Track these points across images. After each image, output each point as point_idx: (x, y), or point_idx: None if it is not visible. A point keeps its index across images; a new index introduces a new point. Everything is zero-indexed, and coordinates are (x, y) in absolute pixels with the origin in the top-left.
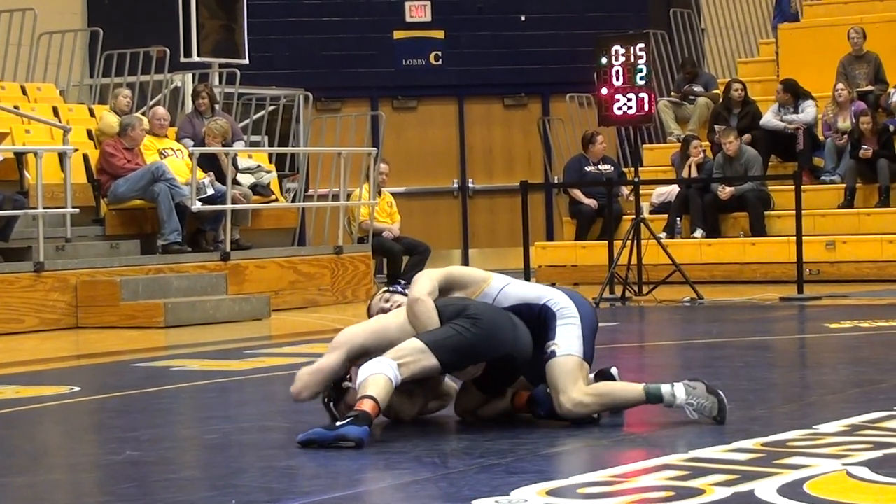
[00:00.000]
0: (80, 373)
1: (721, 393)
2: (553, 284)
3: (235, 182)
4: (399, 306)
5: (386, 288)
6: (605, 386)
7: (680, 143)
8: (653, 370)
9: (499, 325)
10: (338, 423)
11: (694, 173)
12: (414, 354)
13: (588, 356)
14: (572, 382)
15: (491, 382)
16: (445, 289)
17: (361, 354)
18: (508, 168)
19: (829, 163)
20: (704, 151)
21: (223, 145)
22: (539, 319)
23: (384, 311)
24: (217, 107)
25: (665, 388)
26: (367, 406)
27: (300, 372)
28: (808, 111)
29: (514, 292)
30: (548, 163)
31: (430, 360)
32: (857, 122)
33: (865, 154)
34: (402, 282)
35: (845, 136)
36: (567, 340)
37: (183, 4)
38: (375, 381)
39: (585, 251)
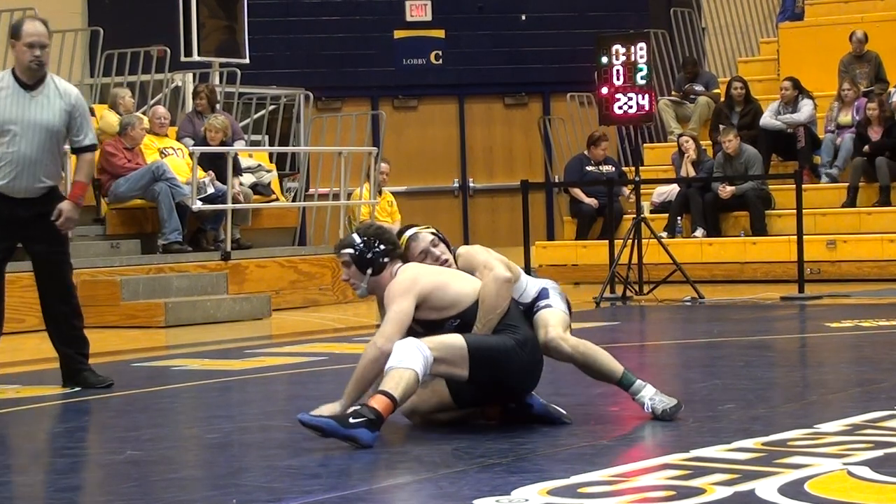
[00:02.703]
0: None
1: (681, 404)
2: None
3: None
4: (447, 260)
5: (433, 230)
6: (590, 344)
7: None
8: (653, 369)
9: (533, 360)
10: (352, 420)
11: (690, 170)
12: (454, 357)
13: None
14: (562, 325)
15: (477, 401)
16: None
17: (420, 303)
18: (509, 167)
19: (826, 157)
20: (705, 151)
21: (223, 142)
22: (536, 301)
23: (431, 254)
24: (218, 106)
25: (639, 381)
26: (382, 406)
27: (379, 334)
28: (805, 110)
29: (529, 291)
30: (548, 162)
31: (462, 371)
32: (864, 112)
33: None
34: (444, 237)
35: (844, 130)
36: (558, 301)
37: (183, 4)
38: (402, 377)
39: (586, 250)
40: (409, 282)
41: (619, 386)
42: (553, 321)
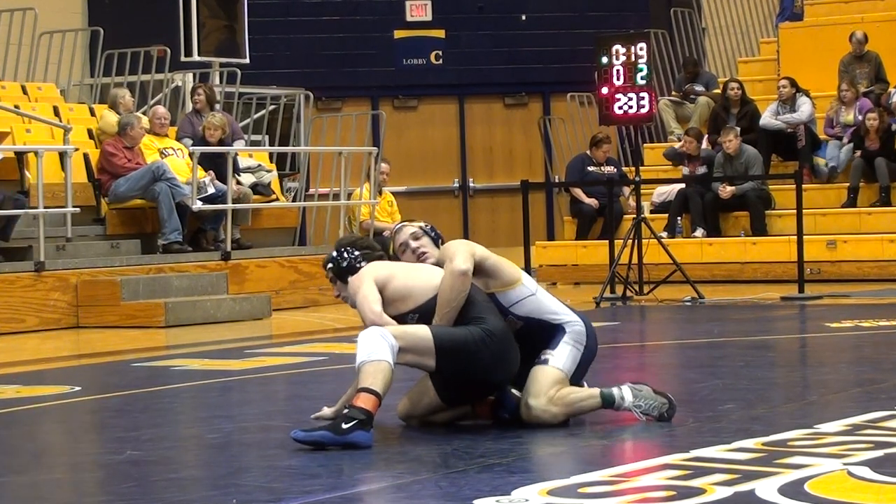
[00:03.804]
0: (80, 372)
1: (669, 395)
2: (554, 284)
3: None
4: (424, 253)
5: (419, 225)
6: (568, 397)
7: (681, 142)
8: (653, 370)
9: (506, 352)
10: (344, 426)
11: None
12: (419, 347)
13: (574, 381)
14: (546, 391)
15: (459, 397)
16: (476, 270)
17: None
18: (509, 167)
19: (827, 155)
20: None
21: (222, 140)
22: (549, 332)
23: (409, 247)
24: (218, 105)
25: (615, 391)
26: (370, 404)
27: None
28: (804, 109)
29: (533, 305)
30: (548, 162)
31: (429, 362)
32: (863, 119)
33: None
34: (434, 231)
35: (848, 129)
36: (563, 357)
37: (183, 4)
38: (378, 369)
39: (586, 250)
40: (363, 274)
41: (606, 408)
42: (535, 388)
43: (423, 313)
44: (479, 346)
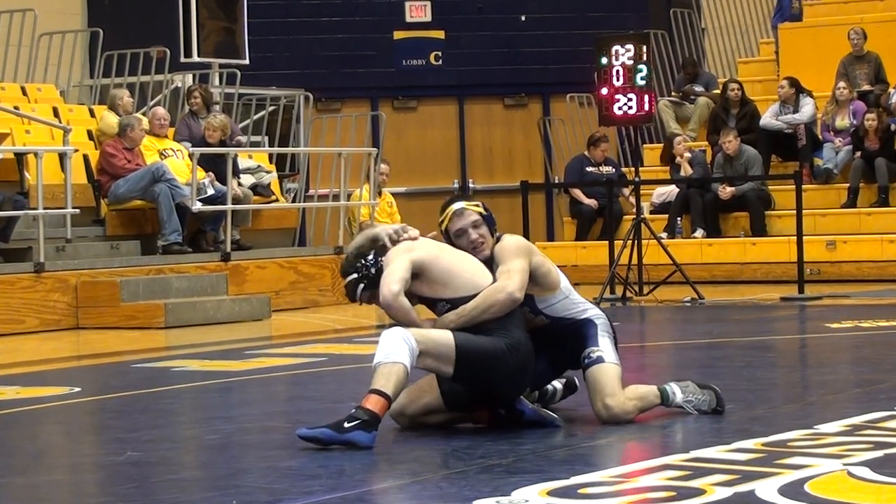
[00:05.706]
0: (80, 373)
1: (714, 385)
2: None
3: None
4: (483, 243)
5: (479, 210)
6: (637, 390)
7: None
8: (653, 370)
9: (525, 366)
10: (346, 425)
11: (688, 168)
12: (440, 353)
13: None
14: (620, 388)
15: (464, 403)
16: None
17: (417, 272)
18: (509, 168)
19: (824, 157)
20: (705, 151)
21: (222, 141)
22: (579, 329)
23: (468, 235)
24: (217, 107)
25: (667, 389)
26: (377, 406)
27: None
28: (806, 109)
29: (564, 304)
30: (548, 163)
31: (447, 368)
32: (861, 120)
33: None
34: (491, 216)
35: (841, 135)
36: (610, 350)
37: (183, 5)
38: (392, 372)
39: (586, 251)
40: (404, 248)
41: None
42: (609, 388)
43: (456, 306)
44: (500, 359)
